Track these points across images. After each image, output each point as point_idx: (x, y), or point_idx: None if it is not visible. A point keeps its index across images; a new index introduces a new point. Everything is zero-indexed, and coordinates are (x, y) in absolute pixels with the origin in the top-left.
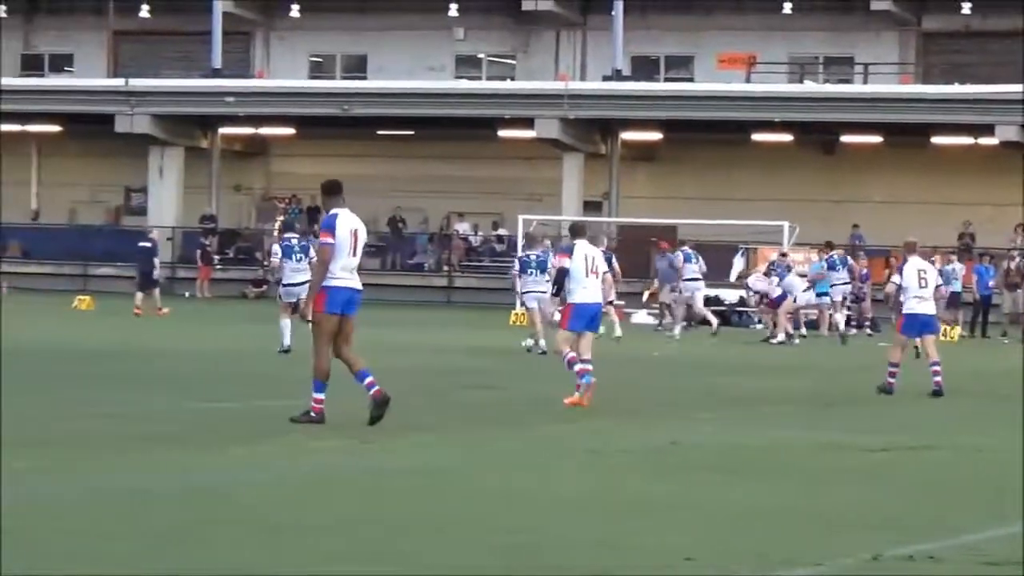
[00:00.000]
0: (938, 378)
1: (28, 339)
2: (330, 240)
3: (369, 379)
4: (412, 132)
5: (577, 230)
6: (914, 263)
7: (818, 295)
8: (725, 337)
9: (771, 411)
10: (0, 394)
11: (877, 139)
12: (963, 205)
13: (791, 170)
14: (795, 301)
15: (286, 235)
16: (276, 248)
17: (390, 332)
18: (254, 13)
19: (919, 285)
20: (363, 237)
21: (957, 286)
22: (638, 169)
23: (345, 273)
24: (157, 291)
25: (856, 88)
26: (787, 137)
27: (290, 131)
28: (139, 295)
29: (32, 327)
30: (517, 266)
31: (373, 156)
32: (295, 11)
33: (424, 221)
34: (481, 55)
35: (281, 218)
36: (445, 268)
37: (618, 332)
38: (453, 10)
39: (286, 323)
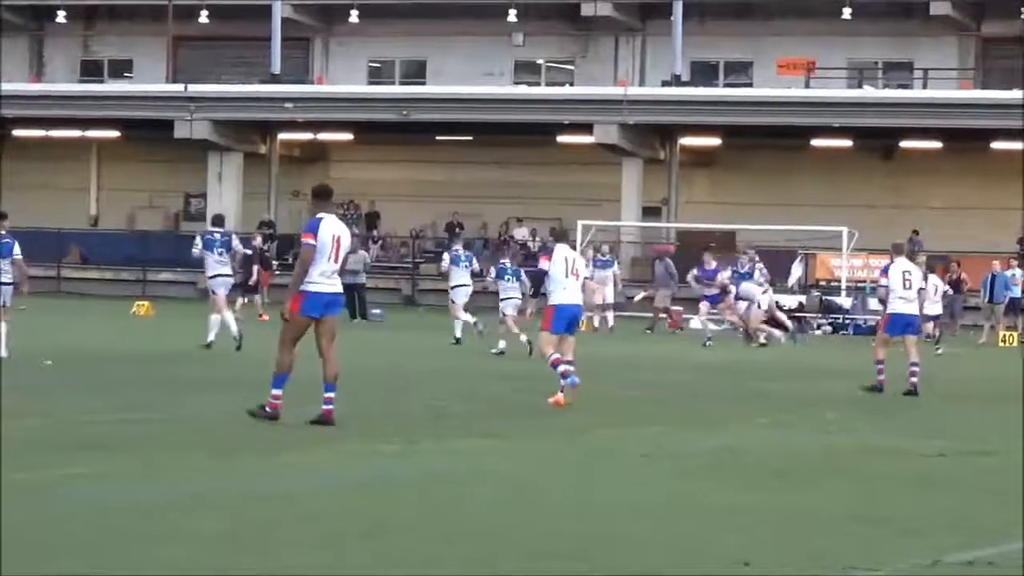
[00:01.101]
0: (915, 379)
1: (87, 344)
2: (311, 241)
3: (330, 395)
4: (471, 137)
5: (558, 235)
6: (900, 264)
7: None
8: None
9: (827, 416)
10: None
11: (936, 145)
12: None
13: (850, 176)
14: (759, 307)
15: (211, 228)
16: (198, 240)
17: (447, 336)
18: (313, 19)
19: (904, 287)
20: (346, 244)
21: (1016, 292)
22: (697, 175)
23: (324, 278)
24: (258, 297)
25: (915, 93)
26: (846, 143)
27: (348, 137)
28: (254, 299)
29: (91, 332)
30: (494, 273)
31: (431, 162)
32: (354, 17)
33: (482, 227)
34: (540, 60)
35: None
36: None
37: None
38: (512, 16)
39: (215, 319)
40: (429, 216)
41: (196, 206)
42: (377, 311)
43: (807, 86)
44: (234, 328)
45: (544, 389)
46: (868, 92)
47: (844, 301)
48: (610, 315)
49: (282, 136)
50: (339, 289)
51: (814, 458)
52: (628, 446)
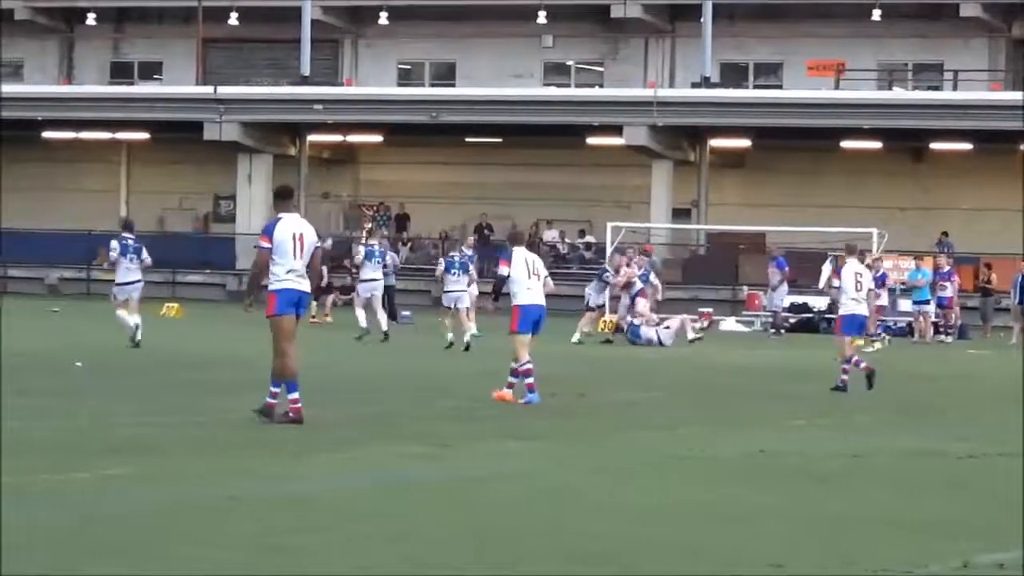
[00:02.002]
0: (845, 376)
1: (118, 346)
2: (265, 244)
3: (294, 395)
4: (500, 139)
5: (514, 238)
6: (851, 266)
7: (915, 303)
8: (809, 343)
9: (860, 419)
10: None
11: (966, 146)
12: None
13: (880, 177)
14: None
15: (124, 234)
16: (114, 244)
17: (478, 338)
18: (343, 21)
19: (855, 288)
20: (310, 240)
21: None
22: (727, 176)
23: (291, 276)
24: (329, 300)
25: (945, 95)
26: (876, 144)
27: (378, 138)
28: (313, 304)
29: (122, 334)
30: (442, 266)
31: (461, 163)
32: (384, 19)
33: (512, 228)
34: (570, 62)
35: (369, 225)
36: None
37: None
38: (542, 17)
39: (123, 313)
40: (459, 218)
41: (225, 208)
42: (406, 313)
43: (837, 88)
44: (131, 327)
45: (574, 390)
46: (898, 94)
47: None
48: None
49: (311, 138)
50: (307, 288)
51: (846, 461)
52: (660, 448)
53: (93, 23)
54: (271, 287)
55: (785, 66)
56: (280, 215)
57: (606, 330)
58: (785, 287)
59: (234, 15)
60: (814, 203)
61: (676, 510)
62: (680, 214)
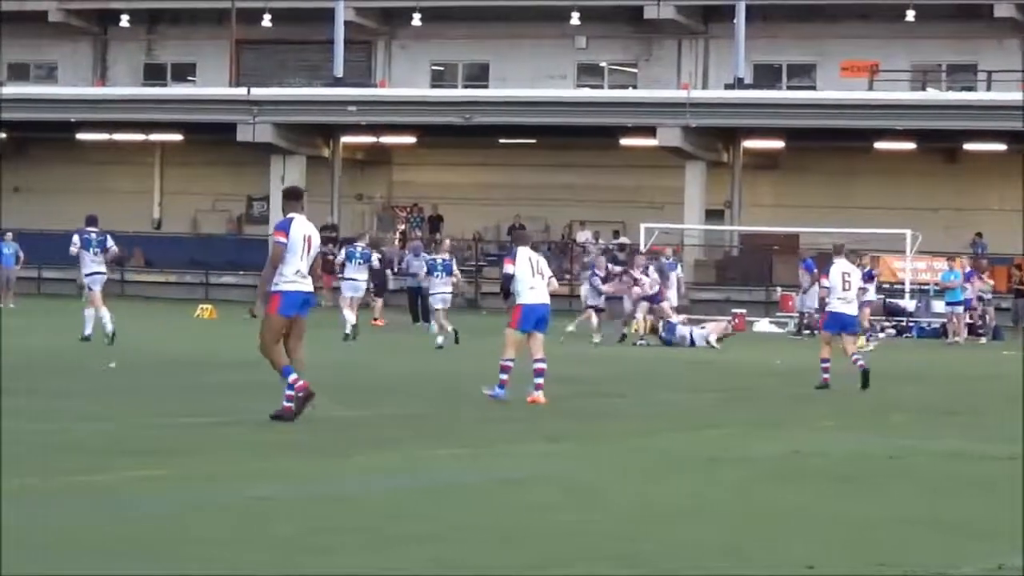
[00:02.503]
0: (861, 361)
1: (151, 347)
2: (283, 240)
3: (294, 376)
4: (534, 140)
5: (518, 237)
6: (839, 266)
7: (948, 304)
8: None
9: (894, 419)
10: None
11: (1000, 147)
12: None
13: (913, 178)
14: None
15: (86, 228)
16: (76, 239)
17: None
18: (376, 22)
19: (843, 288)
20: (316, 243)
21: None
22: (760, 177)
23: (298, 277)
24: (380, 302)
25: (979, 96)
26: (910, 145)
27: (411, 140)
28: (378, 304)
29: (155, 335)
30: (425, 269)
31: (494, 164)
32: (417, 20)
33: (545, 229)
34: (603, 63)
35: (402, 227)
36: (566, 276)
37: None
38: (575, 18)
39: (90, 313)
40: (492, 219)
41: (259, 209)
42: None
43: (870, 88)
44: (109, 326)
45: (605, 391)
46: (931, 94)
47: (908, 304)
48: (673, 320)
49: (345, 139)
50: (311, 289)
51: (880, 462)
52: (694, 450)
53: (126, 25)
54: (277, 288)
55: (818, 67)
56: (291, 215)
57: (636, 331)
58: (816, 288)
59: (267, 16)
60: (847, 204)
61: (709, 511)
62: (713, 215)
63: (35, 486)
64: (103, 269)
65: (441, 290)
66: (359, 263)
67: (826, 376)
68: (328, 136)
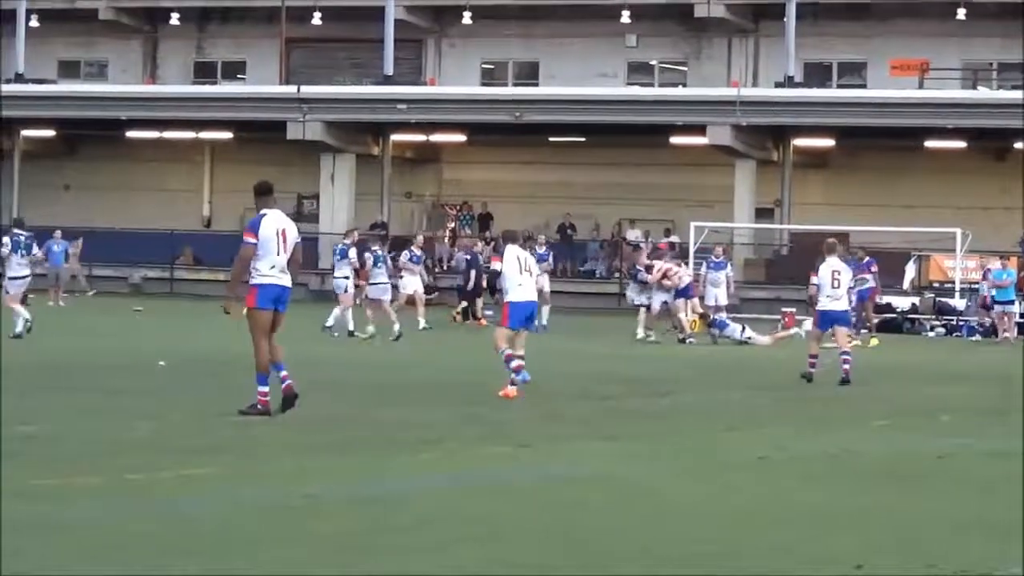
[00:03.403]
0: (847, 366)
1: (201, 346)
2: (252, 240)
3: (284, 372)
4: (583, 139)
5: (508, 236)
6: (830, 263)
7: (998, 303)
8: (891, 343)
9: (943, 419)
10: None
11: None
12: None
13: (964, 177)
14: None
15: (15, 230)
16: (6, 240)
17: (559, 338)
18: (426, 20)
19: (832, 285)
20: (292, 236)
21: None
22: (810, 176)
23: (275, 271)
24: (480, 301)
25: None
26: (960, 144)
27: (461, 138)
28: (479, 303)
29: (204, 334)
30: (371, 261)
31: (544, 163)
32: (467, 18)
33: (595, 228)
34: (653, 62)
35: (452, 225)
36: (616, 275)
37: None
38: (625, 17)
39: (19, 308)
40: (542, 217)
41: (308, 207)
42: (489, 312)
43: (921, 87)
44: (19, 327)
45: (656, 390)
46: (982, 93)
47: (958, 303)
48: (723, 316)
49: (395, 137)
50: (289, 283)
51: (929, 462)
52: (744, 449)
53: (177, 23)
54: (254, 281)
55: (869, 65)
56: (263, 211)
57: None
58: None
59: (317, 15)
60: (897, 203)
61: (759, 510)
62: (763, 214)
63: (82, 484)
64: (27, 272)
65: (379, 280)
66: (380, 266)
67: (812, 369)
68: (378, 134)
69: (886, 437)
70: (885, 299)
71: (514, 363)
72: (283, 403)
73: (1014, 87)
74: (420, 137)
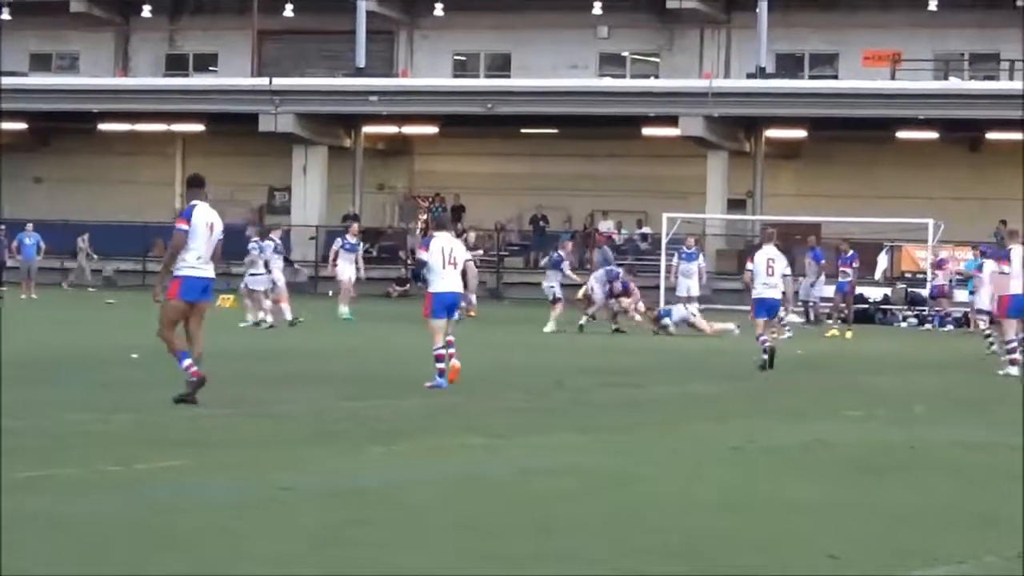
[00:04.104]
0: (766, 355)
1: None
2: (184, 227)
3: (188, 362)
4: (556, 130)
5: (437, 223)
6: (765, 252)
7: (972, 293)
8: (863, 334)
9: (916, 409)
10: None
11: (1022, 136)
12: None
13: (936, 168)
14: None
15: None
16: None
17: (532, 330)
18: (398, 12)
19: (767, 273)
20: (219, 230)
21: None
22: (782, 167)
23: (199, 263)
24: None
25: (1002, 85)
26: (932, 135)
27: (433, 130)
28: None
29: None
30: (256, 251)
31: (516, 154)
32: (439, 10)
33: (567, 220)
34: (625, 53)
35: (424, 216)
36: (588, 267)
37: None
38: (597, 8)
39: None
40: (514, 209)
41: (280, 200)
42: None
43: (893, 78)
44: None
45: (630, 381)
46: (954, 84)
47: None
48: (694, 308)
49: (367, 129)
50: (212, 275)
51: (903, 452)
52: (718, 440)
53: (148, 15)
54: (179, 272)
55: (840, 56)
56: (194, 202)
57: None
58: (822, 278)
59: (289, 7)
60: (870, 194)
61: (733, 501)
62: (735, 205)
63: (58, 477)
64: None
65: (257, 272)
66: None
67: (765, 356)
68: (350, 126)
69: (859, 427)
70: (858, 290)
71: (440, 365)
72: (193, 388)
73: (986, 78)
74: (392, 129)
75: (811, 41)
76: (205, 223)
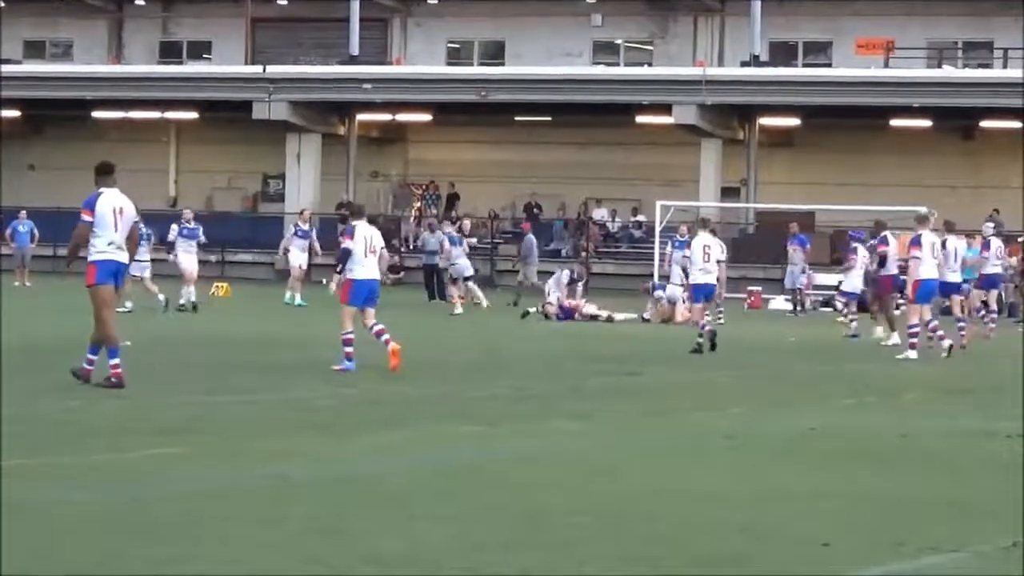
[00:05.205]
0: (700, 339)
1: (167, 326)
2: (88, 218)
3: (94, 357)
4: (549, 118)
5: (355, 211)
6: (701, 239)
7: (965, 281)
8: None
9: (910, 397)
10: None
11: (1016, 124)
12: None
13: (929, 156)
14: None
15: None
16: None
17: (528, 318)
18: (392, 0)
19: (703, 259)
20: (129, 214)
21: None
22: (776, 155)
23: (111, 248)
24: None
25: (995, 73)
26: (925, 122)
27: (427, 118)
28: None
29: (170, 314)
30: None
31: (510, 142)
32: None
33: (561, 207)
34: (619, 41)
35: (418, 204)
36: (582, 254)
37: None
38: None
39: None
40: (508, 197)
41: (274, 187)
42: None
43: (886, 66)
44: None
45: (624, 369)
46: (947, 72)
47: None
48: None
49: (360, 117)
50: (125, 259)
51: (895, 440)
52: (712, 428)
53: (142, 3)
54: (92, 258)
55: (834, 44)
56: (101, 189)
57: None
58: (806, 266)
59: None
60: (863, 181)
61: (726, 489)
62: (729, 193)
63: (48, 464)
64: None
65: (143, 258)
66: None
67: (700, 340)
68: (344, 114)
69: (851, 416)
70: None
71: (348, 349)
72: (105, 383)
73: (980, 66)
74: (386, 117)
75: (805, 29)
76: (112, 209)
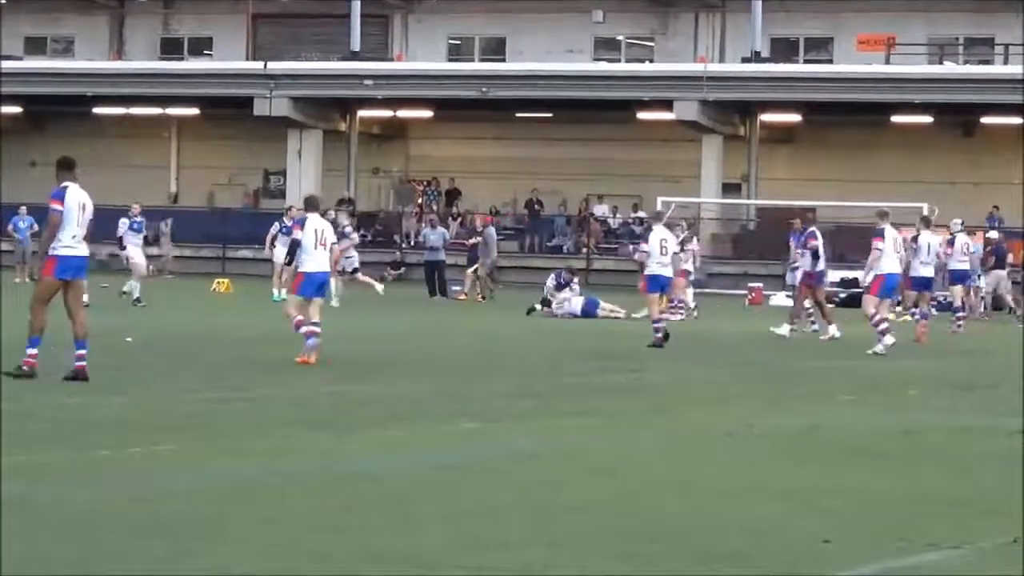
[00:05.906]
0: (658, 335)
1: (167, 322)
2: (59, 207)
3: (82, 352)
4: (550, 114)
5: (309, 204)
6: (658, 232)
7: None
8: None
9: (910, 394)
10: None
11: (1017, 121)
12: None
13: (930, 152)
14: None
15: None
16: None
17: (523, 313)
18: None
19: (660, 252)
20: (90, 210)
21: None
22: (777, 151)
23: (74, 242)
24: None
25: (996, 69)
26: (927, 119)
27: (428, 114)
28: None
29: (171, 310)
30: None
31: (511, 139)
32: None
33: (562, 204)
34: (620, 37)
35: (419, 200)
36: (583, 250)
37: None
38: None
39: None
40: (509, 193)
41: (275, 183)
42: (457, 288)
43: (887, 62)
44: None
45: (625, 366)
46: (948, 68)
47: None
48: (690, 292)
49: (361, 113)
50: (86, 253)
51: (897, 437)
52: (713, 425)
53: None
54: (55, 252)
55: (835, 41)
56: (65, 184)
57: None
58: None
59: None
60: (864, 178)
61: (728, 487)
62: (730, 189)
63: (52, 460)
64: None
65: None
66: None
67: (658, 335)
68: (345, 110)
69: (853, 412)
70: (851, 274)
71: (304, 329)
72: (73, 376)
73: (981, 62)
74: (387, 113)
75: (806, 25)
76: (77, 203)
